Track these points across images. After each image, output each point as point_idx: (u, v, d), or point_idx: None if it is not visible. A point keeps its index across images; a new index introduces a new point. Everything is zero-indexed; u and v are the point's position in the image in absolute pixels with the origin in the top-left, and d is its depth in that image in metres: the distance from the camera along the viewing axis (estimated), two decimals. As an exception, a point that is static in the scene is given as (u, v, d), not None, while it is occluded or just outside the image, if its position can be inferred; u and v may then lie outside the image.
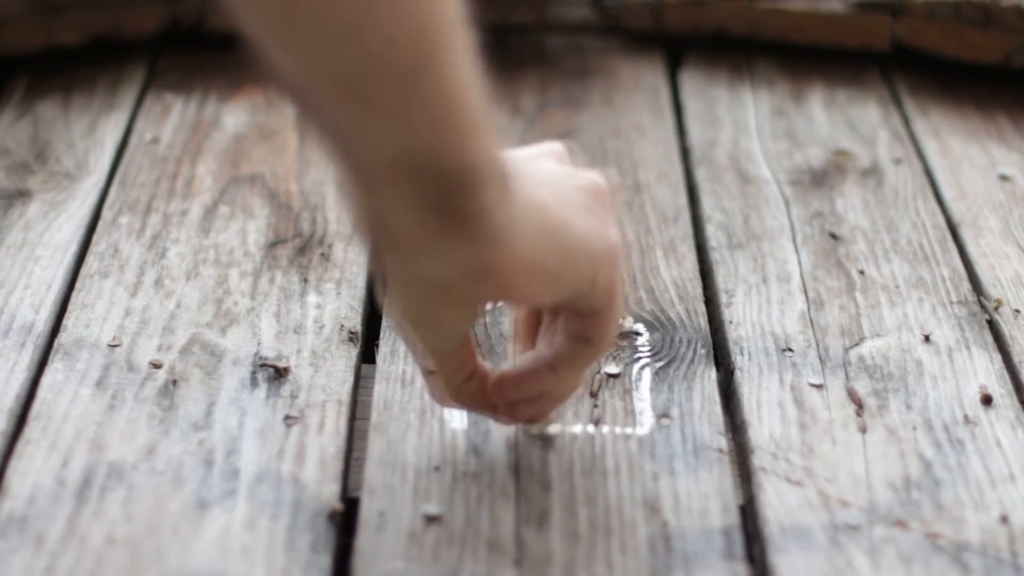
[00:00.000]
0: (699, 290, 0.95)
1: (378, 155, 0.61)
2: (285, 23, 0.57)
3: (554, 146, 0.75)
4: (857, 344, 0.90)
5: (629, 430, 0.81)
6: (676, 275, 0.96)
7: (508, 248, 0.65)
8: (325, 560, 0.72)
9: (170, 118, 1.13)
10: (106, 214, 1.00)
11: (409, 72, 0.59)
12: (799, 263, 0.98)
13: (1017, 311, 0.94)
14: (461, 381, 0.74)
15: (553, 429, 0.80)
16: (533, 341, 0.77)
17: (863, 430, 0.82)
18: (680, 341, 0.89)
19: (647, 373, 0.86)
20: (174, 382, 0.83)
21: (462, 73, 0.60)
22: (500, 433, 0.80)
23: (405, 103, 0.59)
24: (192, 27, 1.21)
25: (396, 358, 0.86)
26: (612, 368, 0.86)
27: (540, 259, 0.67)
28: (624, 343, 0.88)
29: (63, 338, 0.87)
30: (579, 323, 0.72)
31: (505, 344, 0.87)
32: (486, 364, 0.75)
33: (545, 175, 0.70)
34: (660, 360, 0.87)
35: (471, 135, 0.62)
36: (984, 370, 0.88)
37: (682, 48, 1.29)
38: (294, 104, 0.60)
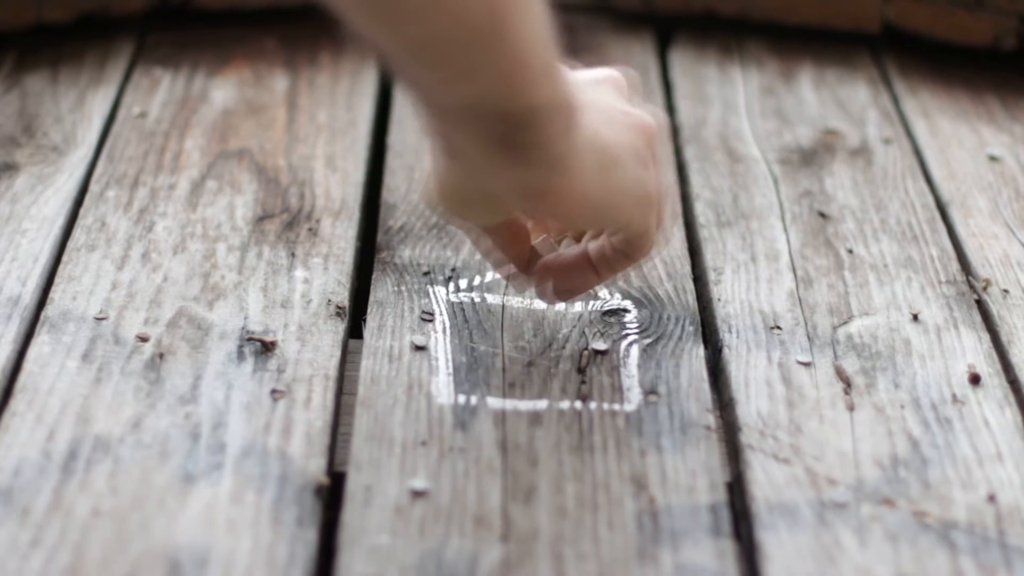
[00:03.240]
0: (688, 268, 0.95)
1: (448, 102, 0.68)
2: (368, 5, 0.63)
3: (614, 75, 0.80)
4: (845, 323, 0.90)
5: (617, 406, 0.81)
6: (665, 253, 0.96)
7: (565, 176, 0.71)
8: (311, 534, 0.72)
9: (158, 92, 1.13)
10: (93, 188, 1.00)
11: (476, 40, 0.64)
12: (788, 242, 0.98)
13: (1005, 291, 0.94)
14: (489, 246, 0.83)
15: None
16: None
17: (851, 408, 0.82)
18: (668, 318, 0.89)
19: (635, 350, 0.86)
20: (161, 355, 0.83)
21: (528, 31, 0.65)
22: (487, 409, 0.80)
23: (473, 64, 0.65)
24: (180, 5, 1.21)
25: (383, 333, 0.86)
26: (600, 344, 0.86)
27: (591, 191, 0.73)
28: (612, 320, 0.88)
29: (50, 311, 0.86)
30: (620, 240, 0.79)
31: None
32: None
33: (605, 110, 0.75)
34: (648, 337, 0.87)
35: (536, 81, 0.67)
36: (972, 349, 0.88)
37: (672, 28, 1.28)
38: (374, 55, 0.65)
